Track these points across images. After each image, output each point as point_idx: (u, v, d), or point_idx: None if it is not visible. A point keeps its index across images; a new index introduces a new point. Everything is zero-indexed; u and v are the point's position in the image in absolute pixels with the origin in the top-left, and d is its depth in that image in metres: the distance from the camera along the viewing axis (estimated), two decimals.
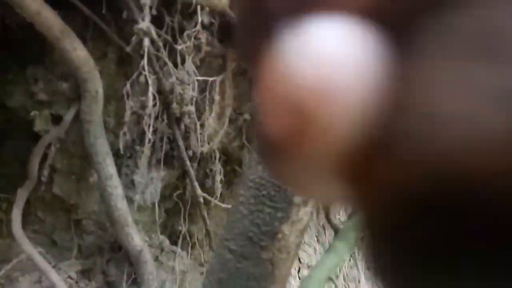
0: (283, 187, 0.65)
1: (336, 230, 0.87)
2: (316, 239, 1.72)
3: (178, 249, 1.39)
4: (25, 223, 1.16)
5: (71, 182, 1.22)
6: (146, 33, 0.98)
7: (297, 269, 1.52)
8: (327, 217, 0.90)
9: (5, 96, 1.17)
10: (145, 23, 0.97)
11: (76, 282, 1.21)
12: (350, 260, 1.40)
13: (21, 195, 1.09)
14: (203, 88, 1.31)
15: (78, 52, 1.06)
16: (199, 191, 1.26)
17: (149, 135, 1.13)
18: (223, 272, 0.63)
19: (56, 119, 1.16)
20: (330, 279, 0.84)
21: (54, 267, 1.13)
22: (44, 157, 1.14)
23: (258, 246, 0.63)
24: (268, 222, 0.64)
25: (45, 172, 1.12)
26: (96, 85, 1.11)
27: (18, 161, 1.16)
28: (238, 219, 0.66)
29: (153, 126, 1.21)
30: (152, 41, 1.17)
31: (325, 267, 0.79)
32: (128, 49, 1.05)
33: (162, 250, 1.37)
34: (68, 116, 1.14)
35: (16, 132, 1.18)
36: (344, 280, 1.43)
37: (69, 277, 1.20)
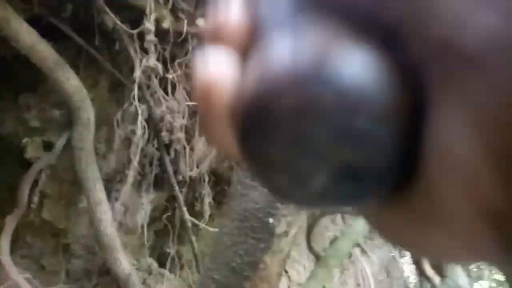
0: (265, 219, 0.68)
1: (317, 257, 0.90)
2: (305, 257, 1.74)
3: (166, 272, 1.40)
4: (13, 248, 1.16)
5: (61, 207, 1.23)
6: (154, 70, 1.03)
7: (287, 287, 1.54)
8: (309, 244, 0.92)
9: None
10: (151, 60, 1.01)
11: None
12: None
13: (10, 223, 1.10)
14: (193, 111, 1.35)
15: (71, 81, 1.09)
16: (187, 215, 1.29)
17: (135, 163, 1.16)
18: None
19: (48, 146, 1.18)
20: None
21: None
22: (35, 183, 1.15)
23: (241, 276, 0.66)
24: (251, 252, 0.67)
25: (35, 198, 1.14)
26: (88, 113, 1.14)
27: (9, 187, 1.18)
28: (222, 250, 0.69)
29: (143, 150, 1.24)
30: (144, 70, 1.21)
31: None
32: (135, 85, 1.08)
33: (150, 273, 1.38)
34: (60, 143, 1.17)
35: (8, 158, 1.20)
36: None
37: None
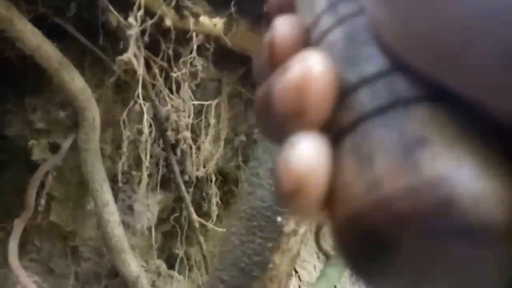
0: (273, 218, 0.66)
1: (327, 257, 0.87)
2: (316, 256, 1.72)
3: (176, 273, 1.39)
4: (22, 252, 1.16)
5: (68, 210, 1.23)
6: (127, 64, 1.01)
7: (297, 287, 1.52)
8: (317, 243, 0.90)
9: (4, 125, 1.19)
10: (126, 55, 0.99)
11: None
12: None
13: (18, 226, 1.10)
14: (199, 110, 1.33)
15: (76, 82, 1.09)
16: (194, 216, 1.27)
17: (146, 162, 1.15)
18: None
19: (54, 148, 1.18)
20: None
21: None
22: (41, 185, 1.15)
23: (249, 276, 0.64)
24: (259, 252, 0.65)
25: (42, 201, 1.13)
26: (93, 113, 1.13)
27: (16, 190, 1.17)
28: (230, 250, 0.67)
29: (149, 151, 1.23)
30: (149, 68, 1.20)
31: None
32: (112, 78, 1.07)
33: (159, 274, 1.37)
34: (66, 144, 1.16)
35: (14, 161, 1.20)
36: None
37: None
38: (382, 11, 0.08)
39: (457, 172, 0.07)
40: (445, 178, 0.07)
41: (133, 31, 1.03)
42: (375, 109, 0.08)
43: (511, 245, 0.07)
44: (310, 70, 0.08)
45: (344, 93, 0.08)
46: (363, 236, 0.08)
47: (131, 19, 1.06)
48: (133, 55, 1.03)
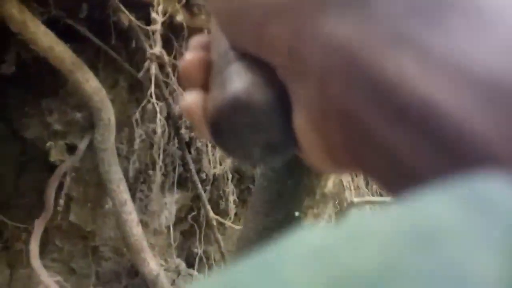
0: (290, 212, 0.63)
1: None
2: None
3: (195, 272, 1.39)
4: (43, 252, 1.18)
5: (87, 210, 1.24)
6: (159, 58, 1.01)
7: None
8: None
9: (22, 128, 1.21)
10: (157, 48, 1.00)
11: None
12: None
13: (38, 227, 1.11)
14: None
15: (90, 83, 1.09)
16: (211, 214, 1.26)
17: (159, 162, 1.14)
18: None
19: (71, 149, 1.19)
20: None
21: None
22: (60, 186, 1.16)
23: None
24: None
25: (61, 201, 1.14)
26: (108, 113, 1.14)
27: (35, 191, 1.19)
28: (246, 245, 0.65)
29: (164, 150, 1.23)
30: (162, 67, 1.20)
31: None
32: (140, 75, 1.07)
33: (179, 273, 1.37)
34: (82, 145, 1.17)
35: (33, 163, 1.22)
36: None
37: None
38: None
39: (249, 85, 0.14)
40: (242, 89, 0.14)
41: (158, 26, 1.04)
42: (219, 70, 0.16)
43: (270, 113, 0.14)
44: (190, 60, 0.17)
45: (211, 66, 0.17)
46: (216, 127, 0.15)
47: (154, 14, 1.06)
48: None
